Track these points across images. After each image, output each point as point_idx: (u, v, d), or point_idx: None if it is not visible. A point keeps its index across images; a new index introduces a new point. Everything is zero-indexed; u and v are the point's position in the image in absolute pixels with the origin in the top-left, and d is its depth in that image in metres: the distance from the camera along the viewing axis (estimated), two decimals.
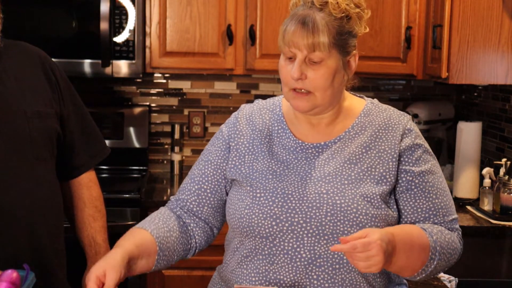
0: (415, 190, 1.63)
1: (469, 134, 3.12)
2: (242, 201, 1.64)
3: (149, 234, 1.63)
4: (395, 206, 1.64)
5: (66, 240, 2.01)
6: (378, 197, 1.60)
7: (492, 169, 2.98)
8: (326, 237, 1.57)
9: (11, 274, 1.50)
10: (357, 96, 1.75)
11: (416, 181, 1.63)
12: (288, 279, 1.59)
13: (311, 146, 1.66)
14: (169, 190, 3.31)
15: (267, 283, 1.61)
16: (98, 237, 2.05)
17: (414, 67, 3.23)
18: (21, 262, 1.64)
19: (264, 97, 3.61)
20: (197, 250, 1.76)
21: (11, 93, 1.84)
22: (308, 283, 1.58)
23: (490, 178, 2.96)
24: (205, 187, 1.73)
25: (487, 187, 2.96)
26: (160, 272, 3.02)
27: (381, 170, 1.62)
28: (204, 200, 1.74)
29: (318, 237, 1.57)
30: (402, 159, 1.64)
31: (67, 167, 2.02)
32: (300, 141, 1.67)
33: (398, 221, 1.66)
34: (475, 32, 2.84)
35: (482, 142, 3.21)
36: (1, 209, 1.78)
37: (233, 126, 1.75)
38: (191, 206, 1.74)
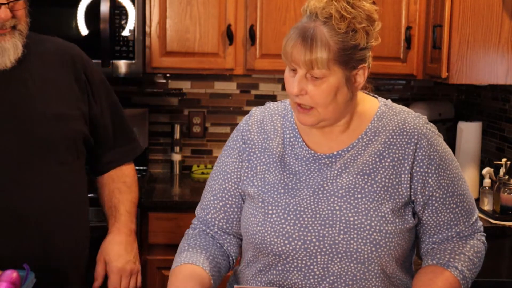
0: (436, 204, 1.60)
1: (469, 134, 3.12)
2: (254, 217, 1.60)
3: (204, 272, 1.59)
4: (410, 215, 1.59)
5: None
6: (392, 212, 1.55)
7: (492, 169, 2.98)
8: (339, 255, 1.54)
9: (11, 274, 1.50)
10: (370, 95, 1.68)
11: (437, 194, 1.59)
12: None
13: (324, 156, 1.60)
14: (169, 190, 3.31)
15: None
16: (121, 207, 2.04)
17: (414, 67, 3.23)
18: (39, 266, 1.63)
19: (263, 97, 3.63)
20: (232, 266, 1.75)
21: (33, 95, 1.81)
22: None
23: (490, 178, 2.96)
24: (230, 202, 1.69)
25: (487, 187, 2.96)
26: (160, 272, 3.02)
27: (394, 183, 1.57)
28: (231, 216, 1.69)
29: (331, 255, 1.54)
30: (420, 169, 1.58)
31: (99, 163, 2.05)
32: (312, 152, 1.61)
33: (417, 229, 1.65)
34: (475, 32, 2.83)
35: (482, 142, 3.21)
36: (21, 214, 1.76)
37: (244, 134, 1.69)
38: (221, 224, 1.70)
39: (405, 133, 1.60)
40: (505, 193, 2.84)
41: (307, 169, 1.60)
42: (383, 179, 1.57)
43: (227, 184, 1.69)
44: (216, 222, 1.70)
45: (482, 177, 3.01)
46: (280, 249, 1.56)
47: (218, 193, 1.69)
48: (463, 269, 1.58)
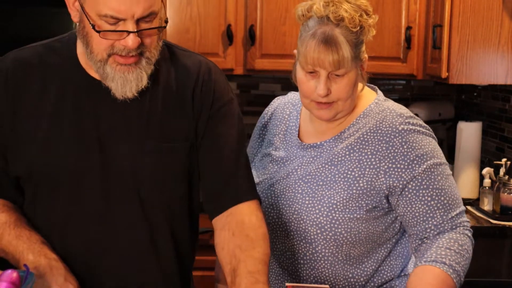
0: (409, 196, 1.64)
1: (469, 134, 3.13)
2: None
3: None
4: (368, 208, 1.65)
5: None
6: (345, 201, 1.64)
7: (492, 169, 2.98)
8: (291, 233, 1.70)
9: (11, 274, 1.50)
10: (371, 90, 1.80)
11: (410, 186, 1.64)
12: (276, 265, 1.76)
13: (308, 146, 1.75)
14: None
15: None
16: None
17: (414, 67, 3.23)
18: None
19: (264, 97, 3.63)
20: None
21: (137, 121, 1.60)
22: (280, 272, 1.75)
23: (490, 178, 2.96)
24: None
25: (487, 187, 2.96)
26: None
27: (356, 175, 1.66)
28: None
29: (286, 232, 1.71)
30: (391, 165, 1.64)
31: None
32: (299, 141, 1.77)
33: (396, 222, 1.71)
34: (475, 32, 2.84)
35: (482, 142, 3.21)
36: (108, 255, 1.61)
37: (261, 119, 1.89)
38: None
39: (379, 131, 1.68)
40: (505, 193, 2.84)
41: (292, 155, 1.76)
42: (346, 170, 1.67)
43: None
44: None
45: (482, 177, 3.01)
46: None
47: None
48: (451, 264, 1.59)
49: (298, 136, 1.78)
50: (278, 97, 1.93)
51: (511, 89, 3.14)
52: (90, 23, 1.50)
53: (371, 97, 1.76)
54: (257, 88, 3.65)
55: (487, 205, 2.95)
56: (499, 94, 3.26)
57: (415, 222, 1.65)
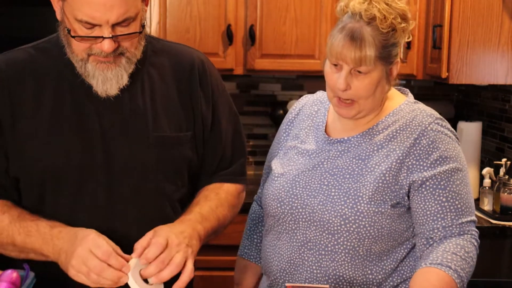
0: (425, 193, 1.66)
1: (469, 134, 3.13)
2: (268, 182, 1.84)
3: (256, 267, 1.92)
4: (393, 203, 1.67)
5: None
6: (371, 194, 1.66)
7: (492, 169, 2.98)
8: (315, 224, 1.70)
9: (11, 274, 1.50)
10: (401, 92, 1.82)
11: (428, 183, 1.65)
12: (286, 256, 1.75)
13: (335, 140, 1.77)
14: None
15: (275, 254, 1.77)
16: (194, 208, 1.68)
17: (414, 67, 3.23)
18: None
19: (263, 97, 3.63)
20: None
21: (137, 116, 1.63)
22: (300, 262, 1.72)
23: (490, 178, 2.96)
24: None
25: (487, 187, 2.96)
26: None
27: (383, 169, 1.67)
28: None
29: (309, 222, 1.71)
30: (415, 162, 1.66)
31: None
32: (327, 136, 1.79)
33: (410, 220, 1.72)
34: (475, 32, 2.84)
35: (482, 142, 3.21)
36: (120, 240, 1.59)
37: (289, 115, 1.93)
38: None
39: (409, 129, 1.70)
40: (505, 193, 2.84)
41: (318, 148, 1.78)
42: (373, 165, 1.69)
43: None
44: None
45: (482, 177, 3.01)
46: (273, 211, 1.77)
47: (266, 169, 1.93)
48: (456, 269, 1.60)
49: (325, 131, 1.81)
50: (306, 95, 1.95)
51: (511, 89, 3.14)
52: (67, 28, 1.53)
53: (401, 99, 1.79)
54: (257, 88, 3.65)
55: (487, 205, 2.95)
56: (499, 94, 3.26)
57: (424, 220, 1.66)
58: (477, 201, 3.05)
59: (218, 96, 1.76)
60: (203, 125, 1.71)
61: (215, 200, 1.73)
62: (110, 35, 1.51)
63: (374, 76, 1.66)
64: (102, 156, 1.60)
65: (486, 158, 3.26)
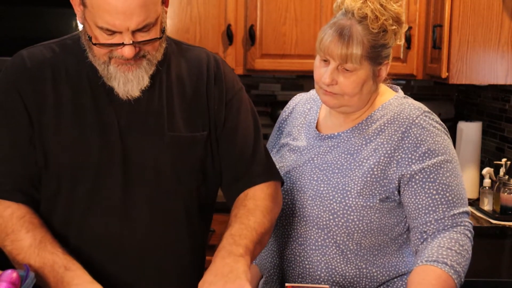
0: (415, 187, 1.67)
1: (469, 134, 3.13)
2: None
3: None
4: (382, 197, 1.68)
5: None
6: (359, 189, 1.67)
7: (492, 169, 2.98)
8: (305, 219, 1.73)
9: (11, 274, 1.50)
10: (392, 89, 1.84)
11: (417, 177, 1.66)
12: (279, 252, 1.79)
13: (326, 136, 1.79)
14: None
15: (268, 251, 1.82)
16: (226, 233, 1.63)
17: (414, 67, 3.23)
18: None
19: (264, 97, 3.63)
20: None
21: (154, 115, 1.63)
22: (292, 258, 1.76)
23: (490, 178, 2.96)
24: None
25: (487, 187, 2.96)
26: None
27: (371, 163, 1.68)
28: None
29: (299, 218, 1.74)
30: (404, 155, 1.67)
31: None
32: (317, 132, 1.81)
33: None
34: (475, 32, 2.84)
35: (482, 142, 3.21)
36: (127, 248, 1.62)
37: (283, 113, 1.96)
38: None
39: (396, 122, 1.71)
40: (505, 193, 2.84)
41: (309, 145, 1.81)
42: (362, 159, 1.70)
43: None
44: None
45: (482, 177, 3.01)
46: None
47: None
48: (453, 264, 1.60)
49: (316, 128, 1.82)
50: (300, 94, 1.97)
51: (511, 89, 3.14)
52: (88, 35, 1.55)
53: (390, 94, 1.80)
54: (257, 88, 3.65)
55: (487, 205, 2.95)
56: (499, 94, 3.26)
57: (416, 214, 1.67)
58: (477, 201, 3.05)
59: (234, 95, 1.78)
60: (216, 124, 1.70)
61: (245, 213, 1.64)
62: (131, 42, 1.52)
63: (360, 75, 1.67)
64: (120, 154, 1.61)
65: (486, 158, 3.26)
